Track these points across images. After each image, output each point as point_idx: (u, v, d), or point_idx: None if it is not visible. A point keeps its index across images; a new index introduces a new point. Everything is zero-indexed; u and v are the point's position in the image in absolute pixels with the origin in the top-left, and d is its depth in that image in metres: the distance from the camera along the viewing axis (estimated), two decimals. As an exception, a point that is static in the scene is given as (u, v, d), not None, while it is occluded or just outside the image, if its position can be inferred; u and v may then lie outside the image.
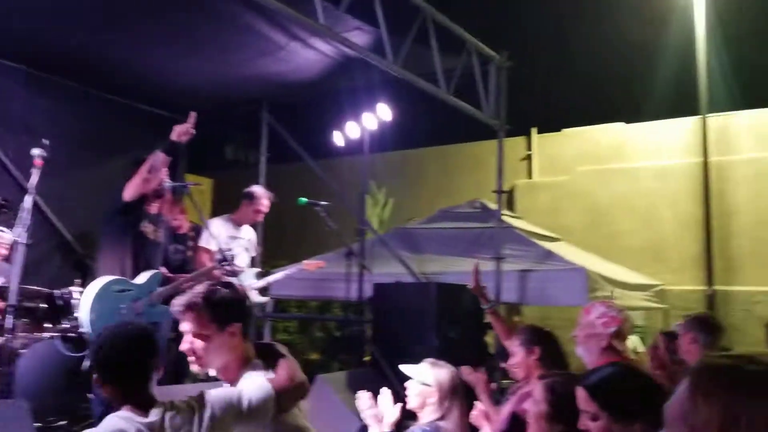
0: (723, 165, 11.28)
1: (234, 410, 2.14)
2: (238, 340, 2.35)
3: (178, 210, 6.10)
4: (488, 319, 4.80)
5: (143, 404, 2.05)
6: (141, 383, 2.08)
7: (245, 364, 2.37)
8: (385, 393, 3.29)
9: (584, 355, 3.80)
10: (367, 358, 6.64)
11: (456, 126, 10.30)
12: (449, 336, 5.77)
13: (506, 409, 3.33)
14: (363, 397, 3.25)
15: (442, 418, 3.14)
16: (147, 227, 4.72)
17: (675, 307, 9.44)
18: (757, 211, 10.90)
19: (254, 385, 2.26)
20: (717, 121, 11.48)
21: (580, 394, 2.09)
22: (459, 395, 3.19)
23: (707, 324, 4.15)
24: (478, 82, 7.02)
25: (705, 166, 11.30)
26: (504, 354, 5.30)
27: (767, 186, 10.89)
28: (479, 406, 3.68)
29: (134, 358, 2.09)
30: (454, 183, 13.57)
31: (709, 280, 11.00)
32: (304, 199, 6.14)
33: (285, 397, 2.30)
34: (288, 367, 2.39)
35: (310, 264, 6.51)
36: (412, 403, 3.21)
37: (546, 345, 3.44)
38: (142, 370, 2.10)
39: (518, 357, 3.49)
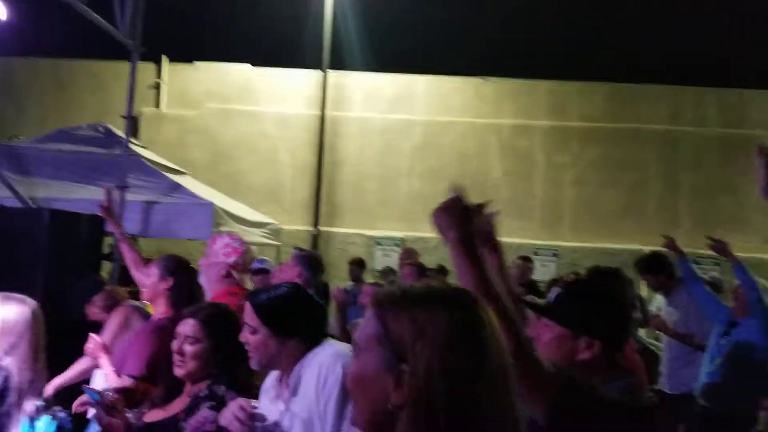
0: (337, 119, 12.54)
1: None
2: None
3: None
4: (122, 246, 4.61)
5: None
6: None
7: None
8: None
9: (205, 282, 3.97)
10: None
11: (79, 40, 9.32)
12: (61, 267, 5.33)
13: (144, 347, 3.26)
14: None
15: None
16: None
17: (286, 244, 10.27)
18: (359, 164, 12.46)
19: None
20: (335, 78, 12.66)
21: (247, 308, 2.21)
22: (30, 334, 2.92)
23: (312, 261, 4.70)
24: (113, -6, 6.46)
25: (322, 118, 12.41)
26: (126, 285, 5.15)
27: (370, 143, 12.51)
28: (95, 338, 3.56)
29: None
30: (71, 102, 12.30)
31: (316, 221, 12.26)
32: None
33: None
34: None
35: None
36: None
37: (180, 277, 3.47)
38: None
39: (151, 281, 3.47)
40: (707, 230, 12.28)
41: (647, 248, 12.42)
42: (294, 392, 2.21)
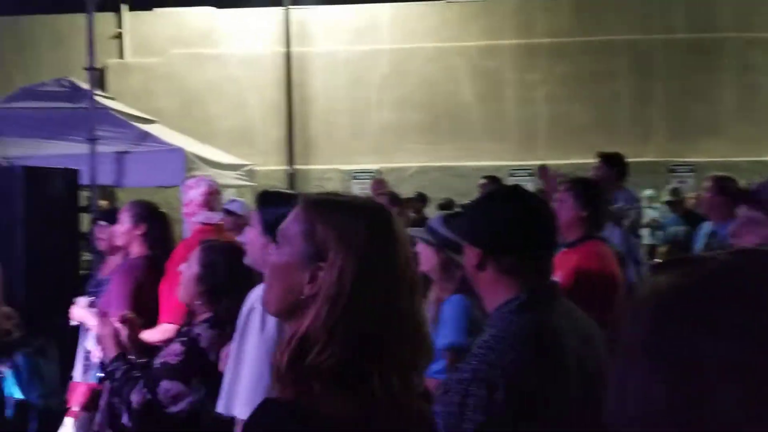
0: (302, 56, 12.44)
1: None
2: None
3: None
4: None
5: None
6: None
7: None
8: None
9: (188, 227, 4.11)
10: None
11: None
12: (41, 224, 5.43)
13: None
14: None
15: None
16: None
17: (262, 185, 10.38)
18: (328, 98, 12.44)
19: None
20: (298, 13, 12.50)
21: None
22: None
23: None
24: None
25: (288, 55, 12.32)
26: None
27: (337, 76, 12.45)
28: (81, 301, 3.56)
29: None
30: (32, 59, 12.11)
31: (291, 160, 12.34)
32: None
33: None
34: None
35: None
36: None
37: (153, 222, 3.59)
38: None
39: (123, 228, 3.59)
40: (681, 139, 12.55)
41: (618, 159, 12.66)
42: None
